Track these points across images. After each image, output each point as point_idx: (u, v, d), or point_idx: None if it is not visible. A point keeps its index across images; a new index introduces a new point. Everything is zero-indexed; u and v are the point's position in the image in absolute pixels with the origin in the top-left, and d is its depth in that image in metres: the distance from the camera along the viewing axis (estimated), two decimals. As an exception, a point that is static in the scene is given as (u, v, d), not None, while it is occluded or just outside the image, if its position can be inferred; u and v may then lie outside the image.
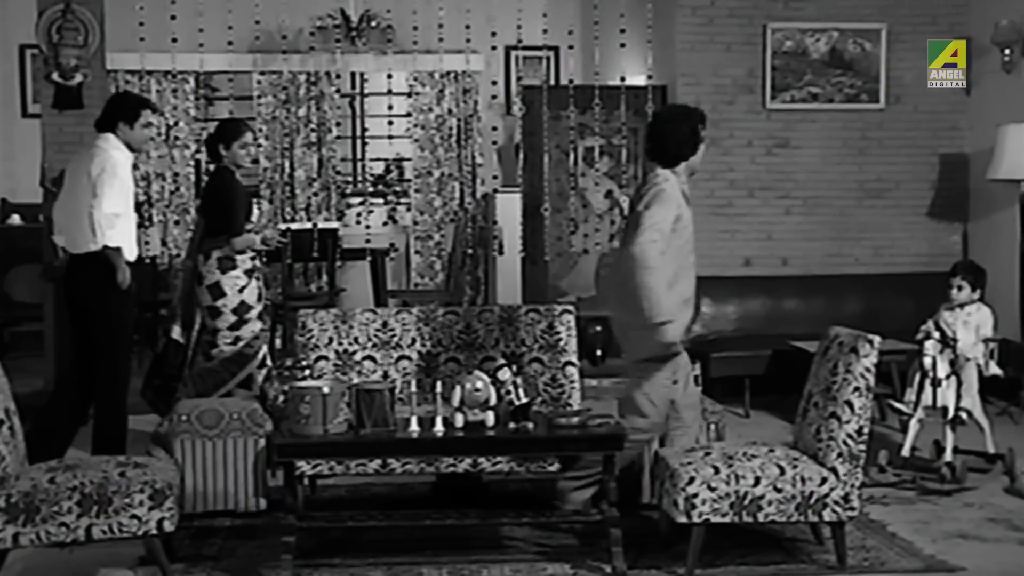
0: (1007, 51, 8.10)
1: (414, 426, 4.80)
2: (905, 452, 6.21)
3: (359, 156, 12.17)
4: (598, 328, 8.70)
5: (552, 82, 10.00)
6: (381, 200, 11.62)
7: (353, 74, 10.99)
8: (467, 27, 8.37)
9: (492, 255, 9.84)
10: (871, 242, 8.82)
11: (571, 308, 6.02)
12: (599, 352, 8.68)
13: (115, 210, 5.80)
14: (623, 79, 8.61)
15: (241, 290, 6.44)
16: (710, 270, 8.48)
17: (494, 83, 9.75)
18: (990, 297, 6.71)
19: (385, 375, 5.78)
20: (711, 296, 8.42)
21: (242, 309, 6.43)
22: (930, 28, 8.70)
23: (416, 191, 10.52)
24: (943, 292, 6.56)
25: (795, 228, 8.77)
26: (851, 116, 8.74)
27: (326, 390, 4.69)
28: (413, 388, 4.91)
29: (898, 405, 6.35)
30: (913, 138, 8.80)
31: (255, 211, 6.56)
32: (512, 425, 4.86)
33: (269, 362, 6.59)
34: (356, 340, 5.81)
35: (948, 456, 6.10)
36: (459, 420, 4.83)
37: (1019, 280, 7.92)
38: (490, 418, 4.85)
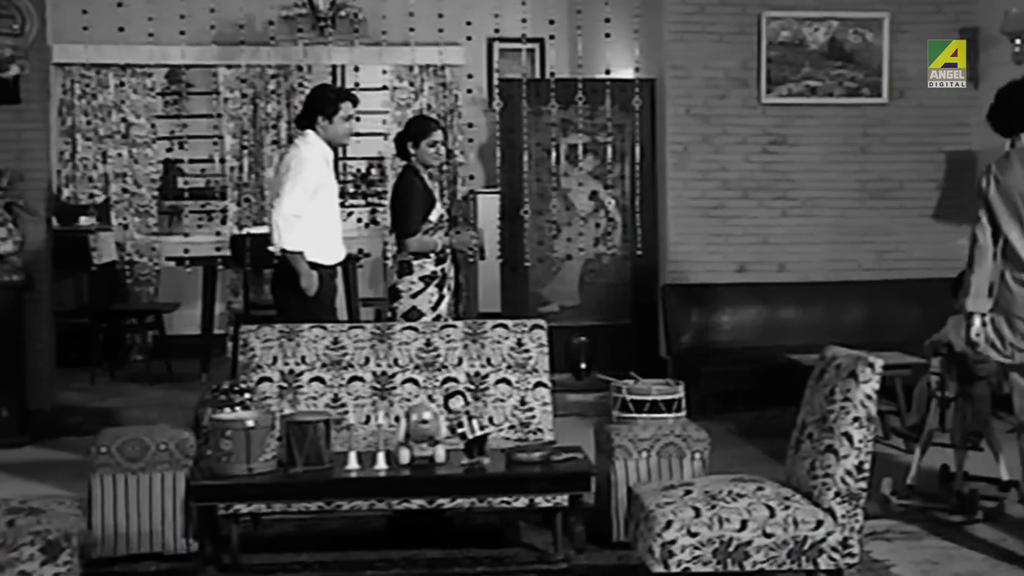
0: (1018, 41, 7.60)
1: (352, 463, 4.26)
2: (911, 480, 5.68)
3: (340, 155, 11.76)
4: (582, 338, 8.27)
5: (537, 76, 9.45)
6: (362, 201, 11.17)
7: (333, 68, 10.49)
8: (439, 15, 7.82)
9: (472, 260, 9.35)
10: (874, 246, 8.37)
11: (542, 323, 5.52)
12: (583, 365, 8.21)
13: (295, 211, 5.65)
14: (608, 72, 8.12)
15: (415, 296, 6.11)
16: (701, 277, 8.18)
17: (469, 76, 9.20)
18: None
19: (335, 398, 5.27)
20: (702, 305, 8.01)
21: (412, 316, 6.05)
22: (935, 17, 8.29)
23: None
24: (951, 301, 6.01)
25: (792, 231, 8.32)
26: (852, 111, 8.30)
27: (250, 423, 4.15)
28: (352, 419, 4.35)
29: (903, 429, 5.80)
30: (918, 135, 8.36)
31: (435, 212, 6.19)
32: (465, 461, 4.32)
33: None
34: (303, 359, 5.33)
35: (958, 484, 5.57)
36: (404, 456, 4.29)
37: (1032, 287, 7.37)
38: (440, 453, 4.31)
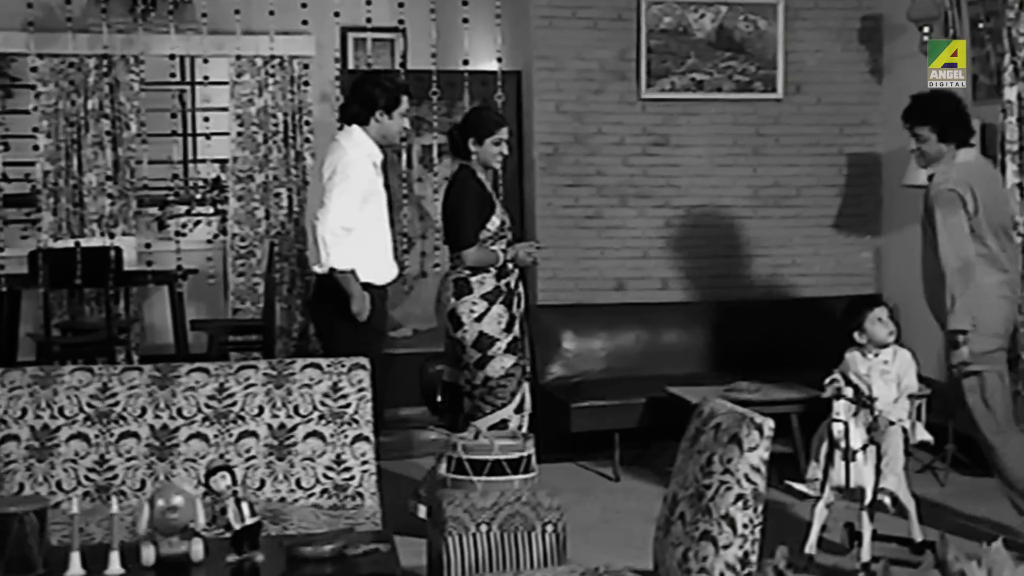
0: (926, 29, 6.94)
1: (75, 568, 3.19)
2: (809, 548, 4.82)
3: (190, 158, 10.74)
4: (439, 367, 7.25)
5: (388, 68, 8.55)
6: (211, 210, 10.18)
7: (182, 60, 9.44)
8: (267, -3, 6.80)
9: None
10: (768, 260, 7.67)
11: (364, 362, 4.59)
12: (440, 397, 7.23)
13: (345, 223, 5.01)
14: (466, 63, 7.21)
15: (479, 319, 5.46)
16: (574, 296, 7.41)
17: (305, 67, 8.23)
18: (906, 330, 5.61)
19: (101, 460, 4.31)
20: (574, 329, 7.15)
21: (483, 343, 5.45)
22: (835, 3, 7.69)
23: (236, 198, 8.91)
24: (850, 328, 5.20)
25: (677, 244, 7.60)
26: (743, 108, 7.62)
27: (-77, 520, 3.07)
28: (75, 508, 3.26)
29: (799, 487, 4.92)
30: (816, 135, 7.71)
31: (495, 219, 5.50)
32: (231, 559, 3.30)
33: (528, 405, 5.63)
34: (62, 411, 4.34)
35: (866, 553, 4.73)
36: (148, 555, 3.25)
37: (944, 307, 6.65)
38: (197, 550, 3.28)
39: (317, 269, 5.09)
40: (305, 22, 7.10)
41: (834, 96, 7.66)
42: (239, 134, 8.76)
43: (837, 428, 4.70)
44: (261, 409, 4.40)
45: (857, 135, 7.72)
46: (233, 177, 8.92)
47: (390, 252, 5.36)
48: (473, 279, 5.47)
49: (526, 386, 5.62)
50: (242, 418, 4.39)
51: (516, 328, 5.54)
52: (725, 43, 7.51)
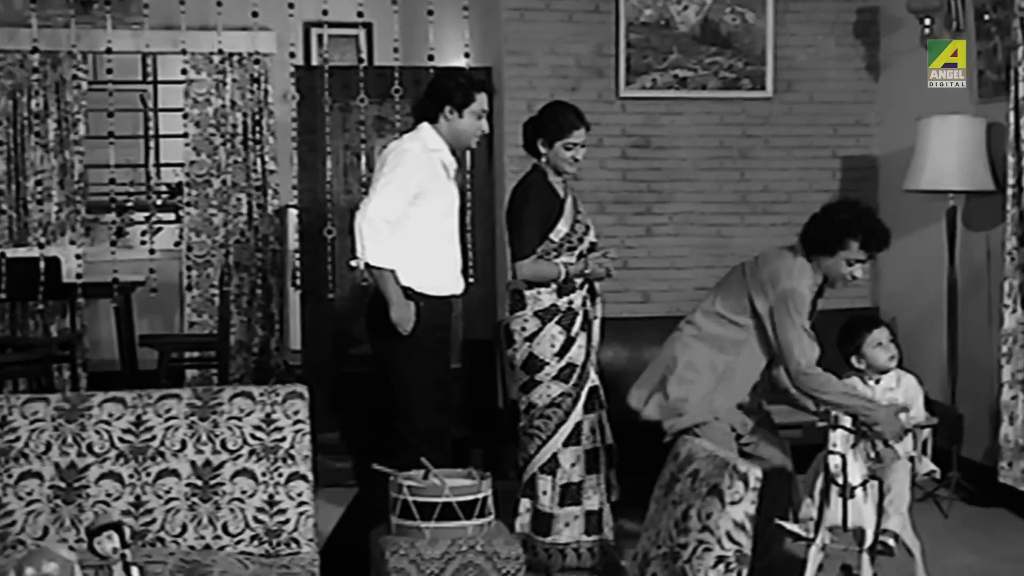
0: (927, 21, 6.64)
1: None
2: (803, 598, 4.33)
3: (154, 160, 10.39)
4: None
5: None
6: (172, 217, 9.81)
7: (144, 58, 9.12)
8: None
9: (288, 288, 8.24)
10: None
11: (301, 390, 4.13)
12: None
13: (387, 215, 4.63)
14: (432, 59, 6.87)
15: (530, 338, 5.01)
16: None
17: (255, 62, 7.91)
18: (905, 347, 5.34)
19: None
20: None
21: (532, 365, 5.01)
22: None
23: (190, 205, 8.49)
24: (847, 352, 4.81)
25: (659, 253, 7.31)
26: (730, 107, 7.33)
27: None
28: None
29: (791, 526, 4.45)
30: (808, 136, 7.43)
31: (561, 228, 5.07)
32: (121, 634, 2.82)
33: (588, 440, 5.12)
34: None
35: None
36: (18, 633, 2.76)
37: (947, 323, 6.38)
38: (78, 624, 2.79)
39: (353, 264, 4.74)
40: (255, 14, 6.70)
41: (827, 94, 7.40)
42: (184, 135, 8.38)
43: (834, 461, 4.25)
44: (183, 444, 3.97)
45: (852, 136, 7.48)
46: (188, 182, 8.54)
47: (453, 262, 4.91)
48: (527, 293, 5.02)
49: (577, 419, 5.11)
50: (162, 454, 3.97)
51: (575, 353, 5.06)
52: (710, 37, 7.26)
